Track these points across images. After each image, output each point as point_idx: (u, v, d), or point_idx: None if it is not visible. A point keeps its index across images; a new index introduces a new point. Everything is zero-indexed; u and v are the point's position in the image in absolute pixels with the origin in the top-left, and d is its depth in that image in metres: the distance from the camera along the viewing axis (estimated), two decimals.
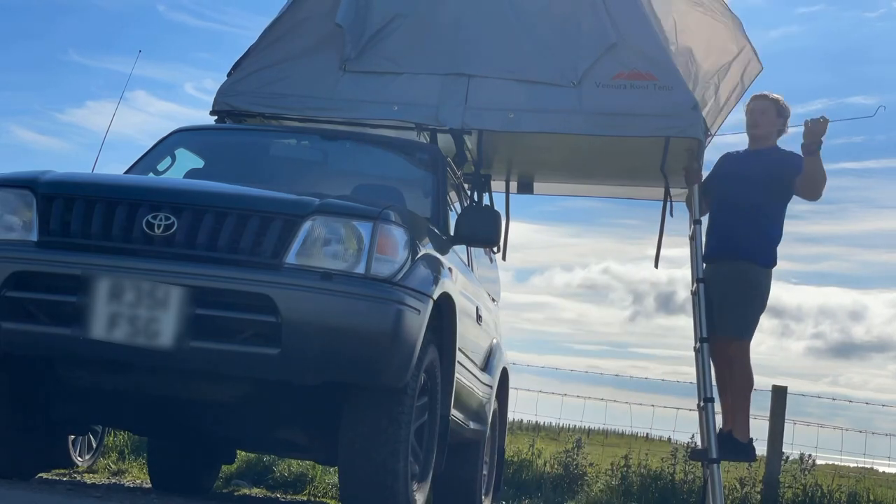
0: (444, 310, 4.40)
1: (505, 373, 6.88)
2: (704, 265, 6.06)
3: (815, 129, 5.83)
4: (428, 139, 5.90)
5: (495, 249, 6.64)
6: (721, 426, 6.02)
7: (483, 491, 6.45)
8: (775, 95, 6.23)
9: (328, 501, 7.19)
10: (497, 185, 7.41)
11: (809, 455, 9.20)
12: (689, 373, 6.21)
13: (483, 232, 4.95)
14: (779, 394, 8.73)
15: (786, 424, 8.72)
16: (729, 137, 6.36)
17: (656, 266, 6.76)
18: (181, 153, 5.54)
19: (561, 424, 11.41)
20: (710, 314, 5.89)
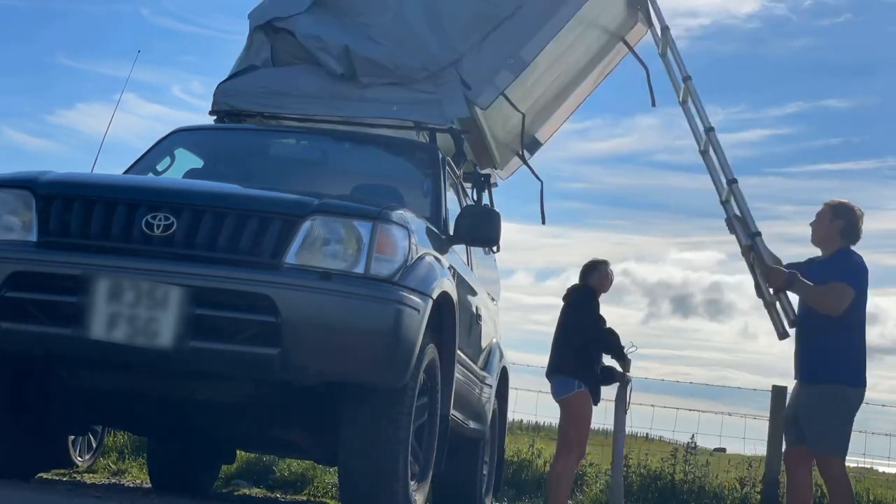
0: (444, 309, 4.40)
1: (505, 373, 6.88)
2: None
3: (771, 280, 5.77)
4: (427, 139, 5.90)
5: (495, 249, 6.64)
6: None
7: (483, 491, 6.45)
8: (839, 200, 5.83)
9: (328, 501, 7.19)
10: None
11: None
12: (690, 373, 6.21)
13: (483, 232, 4.95)
14: (779, 394, 8.73)
15: None
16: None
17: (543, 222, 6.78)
18: (180, 153, 5.54)
19: None
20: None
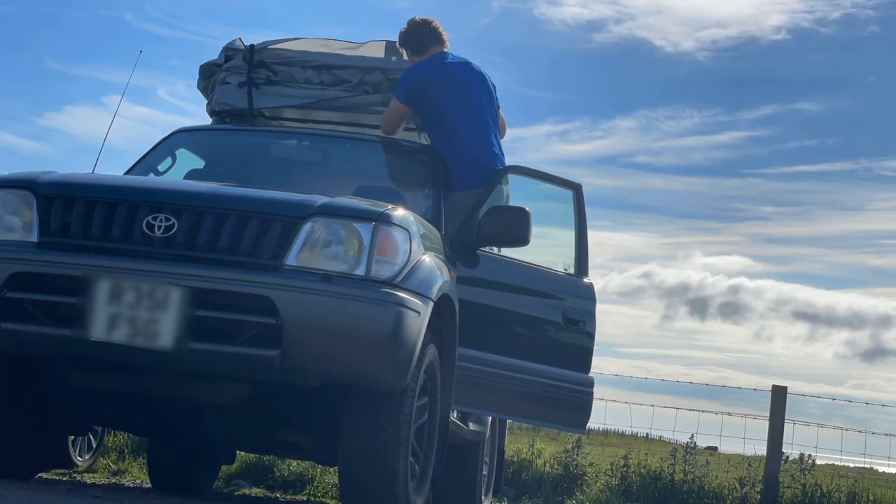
0: (445, 311, 4.40)
1: None
2: None
3: None
4: (428, 140, 5.89)
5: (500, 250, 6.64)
6: None
7: (483, 491, 6.45)
8: None
9: (328, 501, 7.19)
10: None
11: (809, 455, 9.21)
12: (690, 374, 6.22)
13: (511, 231, 4.95)
14: (779, 394, 8.74)
15: (786, 424, 8.73)
16: None
17: None
18: (182, 153, 5.54)
19: None
20: None
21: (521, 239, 5.02)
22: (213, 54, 6.16)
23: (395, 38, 5.86)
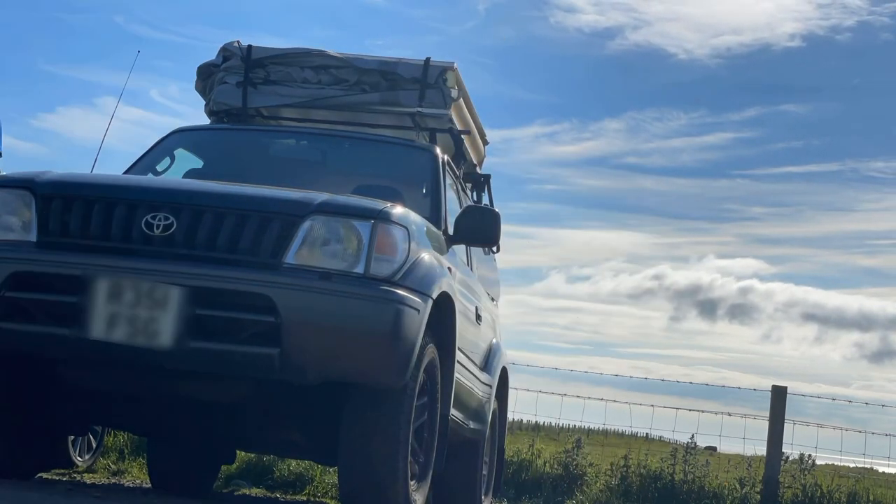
0: (444, 309, 4.40)
1: (505, 372, 6.87)
2: None
3: None
4: (427, 139, 5.90)
5: (494, 249, 6.65)
6: None
7: (483, 491, 6.44)
8: None
9: (328, 501, 7.19)
10: None
11: (809, 455, 9.20)
12: (690, 374, 6.23)
13: (483, 232, 4.96)
14: (779, 394, 8.74)
15: (786, 424, 8.73)
16: None
17: None
18: (180, 153, 5.54)
19: (561, 424, 11.42)
20: None
21: (492, 240, 5.06)
22: (205, 57, 6.18)
23: (395, 43, 5.88)
